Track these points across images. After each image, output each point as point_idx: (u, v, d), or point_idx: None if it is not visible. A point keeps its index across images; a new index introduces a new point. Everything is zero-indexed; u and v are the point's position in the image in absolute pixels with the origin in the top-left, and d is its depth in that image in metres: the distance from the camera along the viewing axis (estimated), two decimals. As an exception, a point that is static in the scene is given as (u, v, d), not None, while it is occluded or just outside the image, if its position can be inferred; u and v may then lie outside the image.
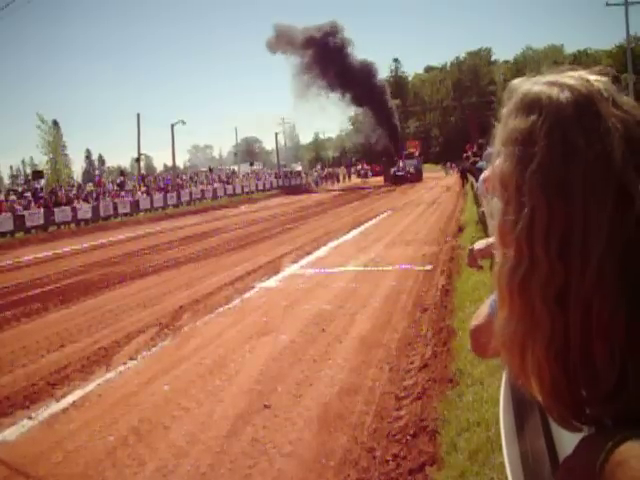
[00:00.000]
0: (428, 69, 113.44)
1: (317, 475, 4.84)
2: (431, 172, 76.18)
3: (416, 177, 65.63)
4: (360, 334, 8.77)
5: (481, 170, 10.99)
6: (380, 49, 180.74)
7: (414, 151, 74.89)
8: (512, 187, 0.88)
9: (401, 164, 68.88)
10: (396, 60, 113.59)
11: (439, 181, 56.74)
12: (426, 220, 24.52)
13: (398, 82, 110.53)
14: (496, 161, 0.93)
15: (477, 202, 16.64)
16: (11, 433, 6.20)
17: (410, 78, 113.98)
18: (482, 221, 12.69)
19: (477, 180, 14.77)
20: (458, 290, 9.54)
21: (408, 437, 5.11)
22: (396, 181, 62.95)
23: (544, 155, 0.85)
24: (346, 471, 4.85)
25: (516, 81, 0.97)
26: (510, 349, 0.90)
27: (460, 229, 17.54)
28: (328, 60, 73.54)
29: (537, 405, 1.17)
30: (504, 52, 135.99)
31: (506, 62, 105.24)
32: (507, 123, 0.92)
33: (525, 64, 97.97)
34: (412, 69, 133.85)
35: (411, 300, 10.51)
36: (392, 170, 68.27)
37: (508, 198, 0.89)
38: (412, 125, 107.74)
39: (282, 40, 75.94)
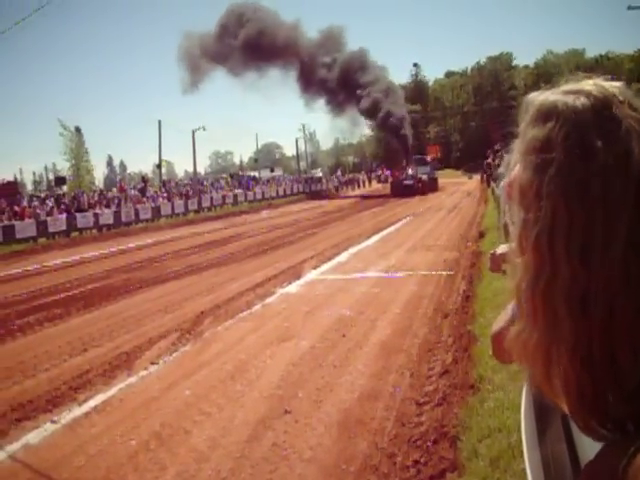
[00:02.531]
0: (449, 74, 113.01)
1: (337, 480, 4.84)
2: (452, 178, 75.19)
3: (429, 187, 54.09)
4: (381, 340, 8.76)
5: (503, 176, 10.97)
6: (400, 54, 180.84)
7: (429, 156, 66.97)
8: (532, 194, 0.88)
9: (410, 171, 57.07)
10: (416, 65, 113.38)
11: (460, 186, 56.13)
12: (447, 226, 24.45)
13: (418, 87, 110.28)
14: (514, 171, 0.94)
15: (498, 207, 16.57)
16: (34, 437, 6.25)
17: (430, 83, 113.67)
18: (503, 227, 12.63)
19: (498, 186, 14.72)
20: (479, 296, 9.51)
21: (429, 443, 5.09)
22: (403, 192, 51.10)
23: (562, 159, 0.85)
24: (366, 476, 4.84)
25: (532, 95, 0.98)
26: (533, 358, 0.90)
27: (481, 235, 17.46)
28: (337, 80, 67.24)
29: (559, 411, 1.17)
30: (525, 57, 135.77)
31: (526, 67, 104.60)
32: (525, 134, 0.93)
33: (546, 69, 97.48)
34: (432, 74, 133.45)
35: (432, 306, 10.48)
36: (400, 179, 57.22)
37: (528, 206, 0.89)
38: (432, 130, 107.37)
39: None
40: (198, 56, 66.66)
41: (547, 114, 0.90)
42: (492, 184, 24.73)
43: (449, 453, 4.69)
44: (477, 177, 56.57)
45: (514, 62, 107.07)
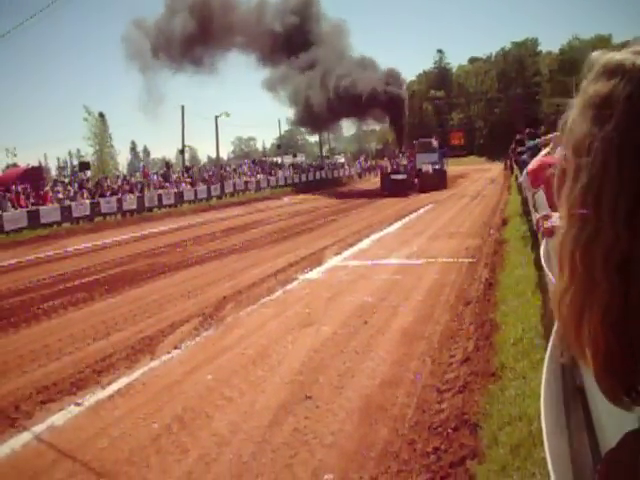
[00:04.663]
0: (472, 60, 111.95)
1: (358, 466, 4.86)
2: (475, 164, 74.63)
3: (431, 182, 40.97)
4: (402, 326, 8.76)
5: (526, 162, 10.87)
6: (424, 40, 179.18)
7: (435, 140, 49.89)
8: (584, 149, 0.86)
9: (404, 161, 46.02)
10: (440, 51, 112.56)
11: (484, 173, 55.42)
12: (470, 213, 24.34)
13: (442, 73, 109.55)
14: (570, 128, 0.92)
15: (522, 194, 16.47)
16: (59, 418, 6.34)
17: (454, 69, 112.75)
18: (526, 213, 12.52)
19: (522, 172, 14.62)
20: (501, 283, 9.46)
21: (449, 430, 5.09)
22: (392, 189, 39.46)
23: (622, 117, 0.83)
24: (387, 463, 4.86)
25: (596, 53, 0.95)
26: (566, 316, 0.90)
27: (504, 222, 17.35)
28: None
29: (580, 400, 1.17)
30: (550, 42, 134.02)
31: (550, 53, 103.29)
32: (586, 90, 0.90)
33: (571, 55, 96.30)
34: (456, 60, 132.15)
35: (454, 293, 10.45)
36: (387, 172, 45.60)
37: (578, 163, 0.87)
38: (456, 117, 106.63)
39: None
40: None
41: (613, 71, 0.88)
42: (516, 170, 24.52)
43: (469, 440, 4.69)
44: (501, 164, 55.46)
45: (539, 48, 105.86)
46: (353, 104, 52.98)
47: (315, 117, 57.11)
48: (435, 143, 48.06)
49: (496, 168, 57.88)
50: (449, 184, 43.05)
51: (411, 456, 4.90)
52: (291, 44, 56.68)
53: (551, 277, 2.46)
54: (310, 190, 51.69)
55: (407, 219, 23.85)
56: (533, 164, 6.00)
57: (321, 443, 5.32)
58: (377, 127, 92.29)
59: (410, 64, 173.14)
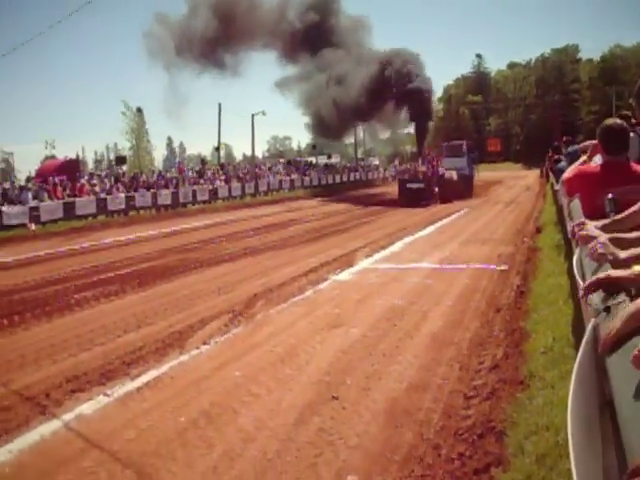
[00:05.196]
0: (511, 65, 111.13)
1: (382, 469, 4.86)
2: (511, 171, 73.84)
3: (455, 190, 35.94)
4: (431, 331, 8.73)
5: (562, 170, 10.76)
6: (463, 44, 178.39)
7: (464, 143, 44.94)
8: None
9: (422, 168, 39.33)
10: (479, 56, 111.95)
11: (519, 180, 54.83)
12: (503, 220, 24.15)
13: (480, 78, 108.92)
14: None
15: (557, 203, 16.30)
16: (88, 408, 6.42)
17: (492, 74, 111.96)
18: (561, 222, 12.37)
19: (557, 181, 14.47)
20: (533, 292, 9.37)
21: (475, 437, 5.06)
22: (409, 198, 34.32)
23: None
24: (411, 467, 4.85)
25: None
26: None
27: (538, 230, 17.18)
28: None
29: (609, 414, 1.16)
30: (591, 50, 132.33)
31: (590, 60, 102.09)
32: None
33: (612, 62, 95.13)
34: (495, 65, 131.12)
35: (485, 300, 10.38)
36: (404, 178, 39.08)
37: None
38: (493, 122, 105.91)
39: None
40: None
41: None
42: (551, 178, 24.25)
43: (495, 448, 4.66)
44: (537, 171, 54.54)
45: (579, 55, 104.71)
46: (372, 100, 48.20)
47: (327, 123, 52.76)
48: (464, 147, 43.66)
49: (532, 175, 57.28)
50: (481, 191, 41.09)
51: (435, 461, 4.88)
52: (310, 41, 53.34)
53: (581, 285, 2.44)
54: (345, 190, 51.71)
55: (440, 223, 23.72)
56: (569, 172, 5.93)
57: (346, 444, 5.32)
58: (412, 130, 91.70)
59: (448, 68, 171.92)
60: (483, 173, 56.61)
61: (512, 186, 48.41)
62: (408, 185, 36.22)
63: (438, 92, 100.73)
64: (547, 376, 5.35)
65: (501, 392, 5.82)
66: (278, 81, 59.39)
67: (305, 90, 54.93)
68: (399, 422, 5.71)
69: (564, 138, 17.37)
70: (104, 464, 5.15)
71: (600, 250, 2.39)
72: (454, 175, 37.54)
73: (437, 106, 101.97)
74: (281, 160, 68.67)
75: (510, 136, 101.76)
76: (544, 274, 9.96)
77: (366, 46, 55.95)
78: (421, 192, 34.82)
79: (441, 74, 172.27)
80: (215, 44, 52.30)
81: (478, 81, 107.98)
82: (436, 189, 35.09)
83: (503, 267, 13.12)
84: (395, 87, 48.23)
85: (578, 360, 1.61)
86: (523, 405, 5.04)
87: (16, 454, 5.44)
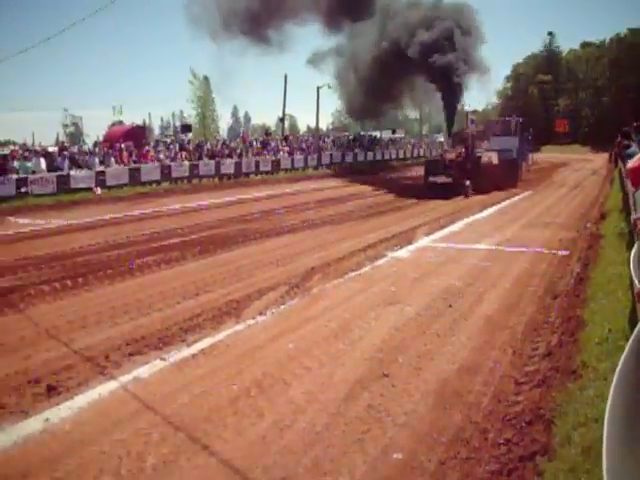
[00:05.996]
0: (584, 45, 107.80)
1: (428, 448, 4.89)
2: (577, 154, 71.72)
3: (497, 177, 28.91)
4: (486, 314, 8.68)
5: (631, 156, 10.48)
6: (534, 21, 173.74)
7: (514, 121, 37.23)
8: None
9: (451, 155, 30.20)
10: (550, 33, 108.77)
11: (586, 164, 53.35)
12: (567, 204, 23.64)
13: (551, 57, 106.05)
14: None
15: (624, 189, 15.88)
16: (145, 371, 6.61)
17: (564, 54, 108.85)
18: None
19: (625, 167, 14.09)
20: (593, 280, 9.18)
21: (523, 423, 5.04)
22: (434, 190, 27.16)
23: None
24: (457, 448, 4.86)
25: None
26: None
27: (602, 216, 16.77)
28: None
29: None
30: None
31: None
32: None
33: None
34: (567, 44, 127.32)
35: (543, 285, 10.25)
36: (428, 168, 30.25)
37: None
38: (562, 103, 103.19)
39: None
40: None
41: None
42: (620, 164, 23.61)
43: (542, 436, 4.63)
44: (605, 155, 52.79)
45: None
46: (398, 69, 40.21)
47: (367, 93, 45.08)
48: (513, 125, 36.29)
49: (599, 159, 55.39)
50: (545, 173, 38.25)
51: (482, 445, 4.89)
52: (351, 7, 45.75)
53: (635, 279, 2.41)
54: (408, 166, 51.27)
55: (502, 205, 23.36)
56: (635, 161, 5.78)
57: (393, 422, 5.36)
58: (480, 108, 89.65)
59: (518, 45, 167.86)
60: (549, 154, 55.57)
61: (578, 169, 47.23)
62: (431, 179, 28.83)
63: (506, 70, 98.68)
64: (600, 367, 5.28)
65: (552, 380, 5.77)
66: (311, 57, 53.11)
67: (340, 62, 49.87)
68: (448, 403, 5.73)
69: (635, 123, 16.86)
70: (157, 426, 5.31)
71: None
72: (494, 158, 30.39)
73: (505, 84, 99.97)
74: (345, 133, 68.26)
75: (579, 118, 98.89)
76: (605, 262, 9.76)
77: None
78: (446, 187, 27.41)
79: (511, 52, 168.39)
80: (258, 18, 47.81)
81: (549, 60, 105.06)
82: (467, 182, 27.66)
83: (564, 252, 12.91)
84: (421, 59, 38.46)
85: (624, 357, 1.60)
86: (574, 395, 4.99)
87: (76, 411, 5.66)
